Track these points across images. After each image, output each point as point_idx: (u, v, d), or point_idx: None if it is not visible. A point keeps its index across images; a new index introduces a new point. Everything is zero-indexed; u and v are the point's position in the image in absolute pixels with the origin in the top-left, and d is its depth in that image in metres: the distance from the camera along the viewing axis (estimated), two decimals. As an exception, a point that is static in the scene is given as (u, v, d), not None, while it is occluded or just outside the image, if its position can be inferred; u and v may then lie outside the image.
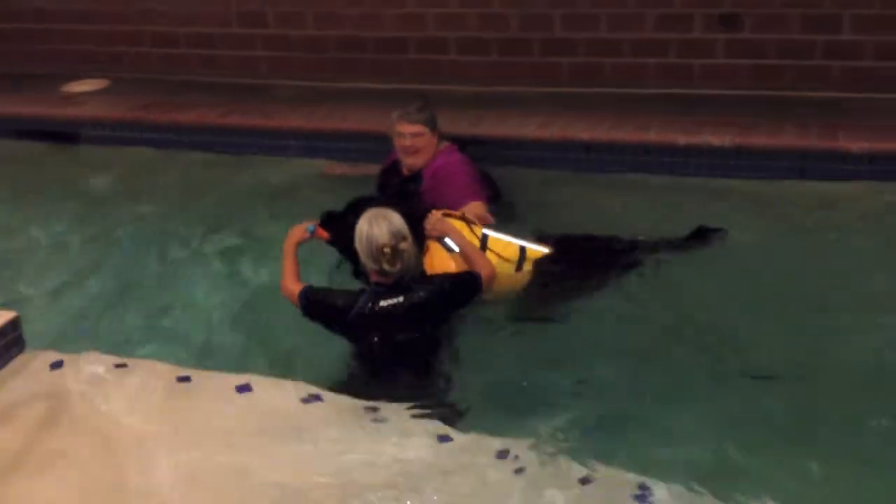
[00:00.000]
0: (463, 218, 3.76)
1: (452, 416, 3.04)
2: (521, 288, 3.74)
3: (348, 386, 3.16)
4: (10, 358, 3.15)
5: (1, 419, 2.88)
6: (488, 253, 3.67)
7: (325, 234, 3.66)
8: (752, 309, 3.66)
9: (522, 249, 3.75)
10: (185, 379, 3.05)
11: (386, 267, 3.25)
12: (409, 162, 4.27)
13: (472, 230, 3.69)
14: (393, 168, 4.47)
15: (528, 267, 3.74)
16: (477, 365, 3.38)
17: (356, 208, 3.59)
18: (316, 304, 3.36)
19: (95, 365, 3.12)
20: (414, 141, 4.22)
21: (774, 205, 4.46)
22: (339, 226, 3.63)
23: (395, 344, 3.30)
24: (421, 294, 3.32)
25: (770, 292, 3.76)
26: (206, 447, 2.72)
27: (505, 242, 3.74)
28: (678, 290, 3.82)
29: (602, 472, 2.57)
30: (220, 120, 5.54)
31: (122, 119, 5.65)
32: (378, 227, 3.24)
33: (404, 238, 3.27)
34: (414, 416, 2.86)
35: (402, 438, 2.71)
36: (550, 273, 3.77)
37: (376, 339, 3.30)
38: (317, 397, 2.94)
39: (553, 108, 5.33)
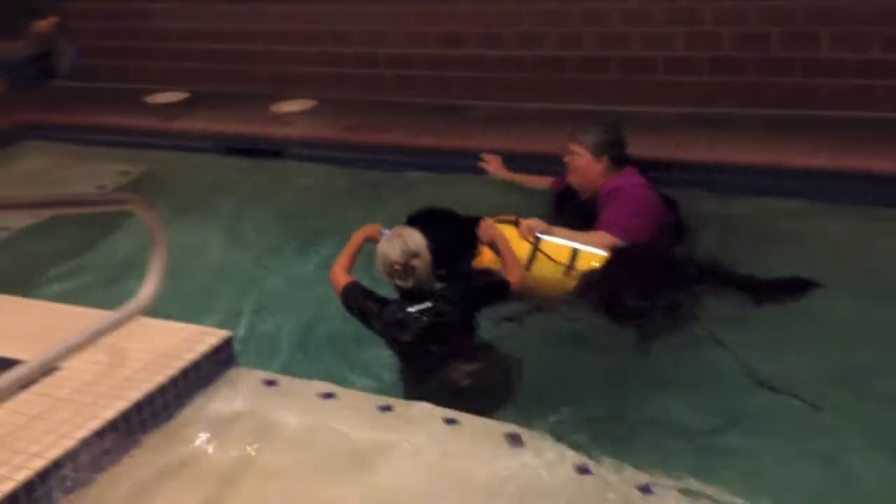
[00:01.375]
0: (515, 223, 3.94)
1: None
2: (567, 290, 3.82)
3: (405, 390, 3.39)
4: (222, 375, 3.22)
5: (213, 436, 2.92)
6: (539, 255, 3.86)
7: None
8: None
9: (574, 252, 3.85)
10: (388, 408, 3.01)
11: (398, 282, 3.47)
12: (569, 179, 4.30)
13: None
14: (569, 191, 4.36)
15: (578, 269, 3.84)
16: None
17: (420, 219, 3.86)
18: (354, 301, 3.58)
19: (303, 388, 3.13)
20: (571, 158, 4.22)
21: None
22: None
23: (429, 346, 3.45)
24: (447, 301, 3.49)
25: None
26: (420, 473, 2.66)
27: (558, 245, 3.88)
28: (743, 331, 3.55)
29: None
30: (415, 141, 5.56)
31: (325, 139, 5.78)
32: (392, 245, 3.46)
33: (416, 255, 3.44)
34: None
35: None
36: (600, 280, 3.80)
37: (409, 341, 3.46)
38: (517, 438, 2.84)
39: (766, 132, 5.04)
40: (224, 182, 5.64)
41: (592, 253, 3.86)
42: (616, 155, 4.19)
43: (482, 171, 5.16)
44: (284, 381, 3.18)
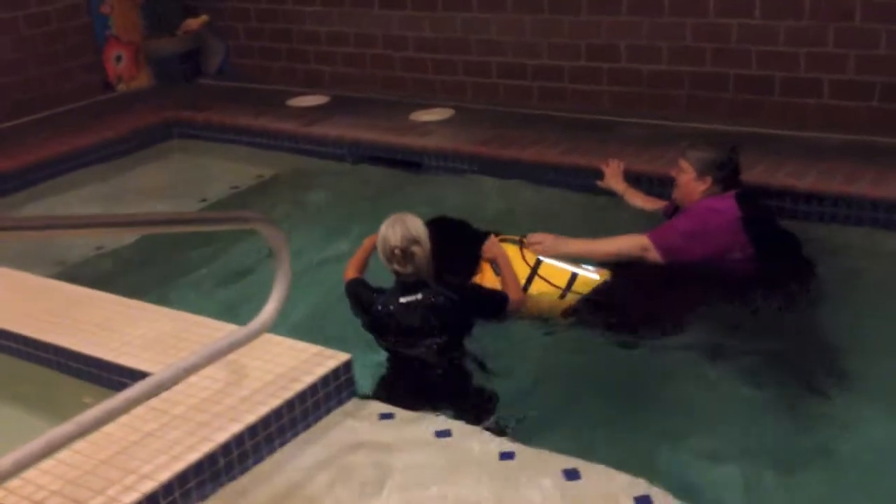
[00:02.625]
0: (519, 242, 3.98)
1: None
2: (563, 311, 3.85)
3: (378, 388, 3.36)
4: (340, 402, 3.07)
5: (323, 467, 2.78)
6: (537, 278, 3.89)
7: None
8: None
9: (573, 277, 3.88)
10: (508, 456, 2.79)
11: (397, 267, 3.42)
12: (674, 195, 4.23)
13: (523, 255, 3.93)
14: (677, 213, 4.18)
15: (574, 293, 3.88)
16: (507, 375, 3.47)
17: (430, 225, 3.80)
18: (352, 296, 3.61)
19: (419, 424, 2.95)
20: (677, 173, 4.13)
21: None
22: None
23: (413, 345, 3.43)
24: (439, 297, 3.43)
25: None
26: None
27: (557, 269, 3.91)
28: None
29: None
30: (561, 158, 5.31)
31: (463, 152, 5.59)
32: (393, 230, 3.41)
33: (416, 242, 3.40)
34: None
35: None
36: (596, 304, 3.83)
37: (394, 339, 3.46)
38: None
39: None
40: (355, 191, 5.54)
41: (589, 277, 3.90)
42: (722, 177, 4.01)
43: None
44: (401, 414, 3.01)
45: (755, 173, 4.62)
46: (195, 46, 7.56)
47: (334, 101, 6.74)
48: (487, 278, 3.90)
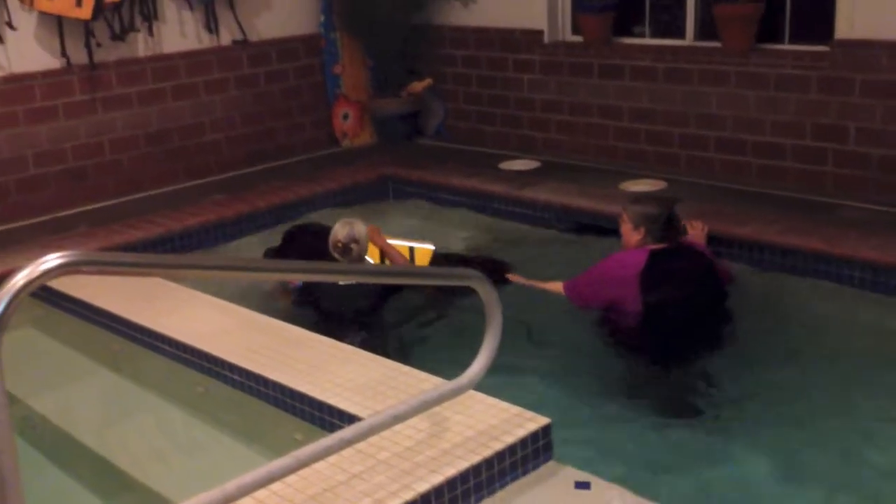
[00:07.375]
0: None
1: None
2: None
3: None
4: (537, 466, 3.07)
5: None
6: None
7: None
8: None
9: (411, 249, 5.00)
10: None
11: (336, 256, 4.49)
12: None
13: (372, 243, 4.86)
14: None
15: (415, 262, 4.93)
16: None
17: (290, 236, 5.29)
18: (306, 292, 4.69)
19: (616, 497, 2.89)
20: (621, 223, 4.55)
21: None
22: (280, 254, 5.11)
23: (346, 318, 4.48)
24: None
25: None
26: None
27: (400, 246, 5.01)
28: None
29: None
30: (778, 238, 5.12)
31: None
32: (343, 228, 4.52)
33: (356, 241, 4.51)
34: None
35: None
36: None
37: (326, 309, 4.56)
38: None
39: None
40: (560, 256, 5.55)
41: (424, 248, 5.02)
42: (655, 231, 4.38)
43: (846, 280, 4.80)
44: (598, 484, 2.96)
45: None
46: (417, 108, 7.87)
47: (545, 166, 6.81)
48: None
